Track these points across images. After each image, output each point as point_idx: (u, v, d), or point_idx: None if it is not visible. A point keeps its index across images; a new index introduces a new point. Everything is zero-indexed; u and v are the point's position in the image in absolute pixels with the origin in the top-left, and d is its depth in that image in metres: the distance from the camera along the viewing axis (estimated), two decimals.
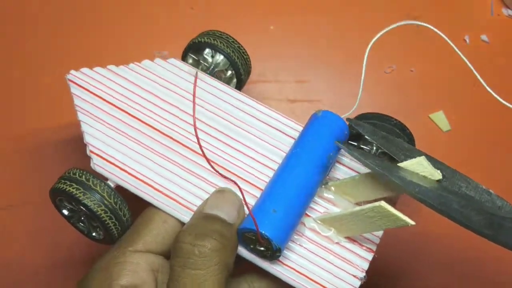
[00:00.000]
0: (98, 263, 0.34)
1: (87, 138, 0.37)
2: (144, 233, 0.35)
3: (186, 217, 0.36)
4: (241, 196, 0.35)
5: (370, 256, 0.36)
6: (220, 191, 0.35)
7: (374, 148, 0.41)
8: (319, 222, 0.36)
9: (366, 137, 0.37)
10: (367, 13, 0.59)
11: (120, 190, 0.37)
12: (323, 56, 0.56)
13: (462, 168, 0.35)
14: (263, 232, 0.32)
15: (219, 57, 0.43)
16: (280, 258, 0.35)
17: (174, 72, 0.41)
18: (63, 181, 0.36)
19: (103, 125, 0.38)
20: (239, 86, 0.45)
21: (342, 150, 0.37)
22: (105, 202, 0.35)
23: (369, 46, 0.35)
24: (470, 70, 0.35)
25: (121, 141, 0.38)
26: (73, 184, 0.35)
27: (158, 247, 0.35)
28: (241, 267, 0.36)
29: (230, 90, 0.41)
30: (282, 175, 0.35)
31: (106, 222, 0.35)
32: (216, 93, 0.41)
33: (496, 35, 0.58)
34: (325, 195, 0.38)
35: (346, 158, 0.39)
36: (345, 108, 0.40)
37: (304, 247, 0.36)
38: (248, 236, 0.34)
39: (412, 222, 0.30)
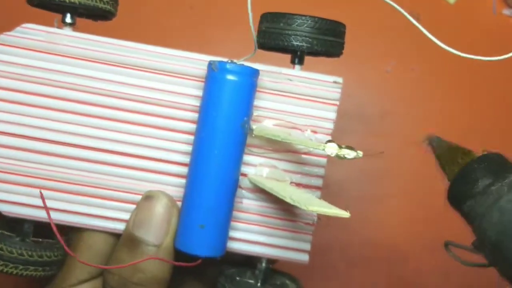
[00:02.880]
0: None
1: None
2: (73, 267, 0.33)
3: (115, 228, 0.33)
4: (169, 192, 0.32)
5: (318, 194, 0.34)
6: (147, 199, 0.32)
7: None
8: (253, 182, 0.33)
9: None
10: None
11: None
12: None
13: None
14: (197, 254, 0.30)
15: None
16: (230, 234, 0.33)
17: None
18: None
19: None
20: None
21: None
22: (24, 260, 0.32)
23: None
24: None
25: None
26: None
27: (92, 272, 0.33)
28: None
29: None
30: (197, 172, 0.31)
31: (32, 275, 0.32)
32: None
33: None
34: (253, 142, 0.33)
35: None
36: None
37: (248, 212, 0.33)
38: None
39: (346, 214, 0.27)
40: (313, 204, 0.27)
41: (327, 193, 0.50)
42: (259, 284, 0.33)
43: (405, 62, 0.55)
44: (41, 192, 0.30)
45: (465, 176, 0.32)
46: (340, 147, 0.28)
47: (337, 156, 0.28)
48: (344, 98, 0.52)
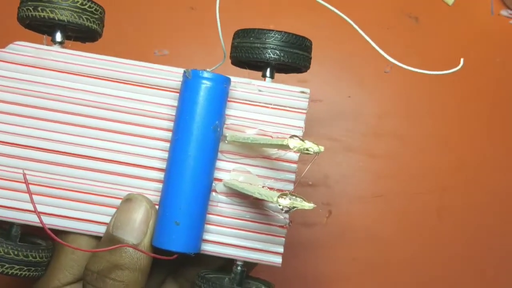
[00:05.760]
0: None
1: None
2: (57, 268, 0.35)
3: (97, 231, 0.35)
4: (149, 196, 0.34)
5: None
6: (127, 201, 0.34)
7: None
8: (227, 185, 0.35)
9: None
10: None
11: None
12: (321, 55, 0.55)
13: None
14: (172, 250, 0.32)
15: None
16: (205, 237, 0.34)
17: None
18: None
19: None
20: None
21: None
22: (9, 258, 0.33)
23: None
24: None
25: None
26: None
27: (76, 275, 0.35)
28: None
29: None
30: (173, 172, 0.33)
31: (17, 274, 0.34)
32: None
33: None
34: (227, 148, 0.35)
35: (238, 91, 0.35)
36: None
37: (223, 216, 0.35)
38: None
39: (311, 206, 0.28)
40: (277, 196, 0.28)
41: (328, 192, 0.50)
42: (235, 285, 0.34)
43: (404, 63, 0.55)
44: (24, 174, 0.31)
45: None
46: (303, 141, 0.30)
47: (300, 150, 0.30)
48: (344, 99, 0.53)
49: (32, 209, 0.34)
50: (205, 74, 0.33)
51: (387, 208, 0.53)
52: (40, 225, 0.34)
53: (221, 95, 0.33)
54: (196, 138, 0.32)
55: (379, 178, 0.54)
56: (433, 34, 0.56)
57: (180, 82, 0.34)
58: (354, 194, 0.54)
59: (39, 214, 0.29)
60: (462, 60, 0.32)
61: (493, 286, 0.53)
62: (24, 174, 0.31)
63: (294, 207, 0.28)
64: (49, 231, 0.29)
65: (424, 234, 0.53)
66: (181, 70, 0.34)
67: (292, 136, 0.30)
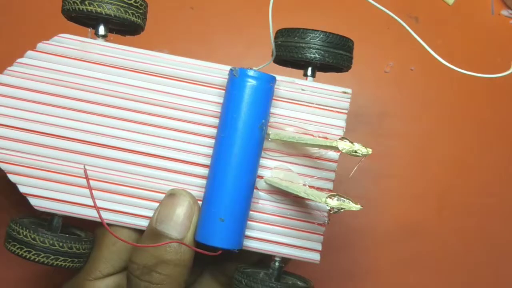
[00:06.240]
0: None
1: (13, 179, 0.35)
2: (98, 260, 0.35)
3: (139, 224, 0.35)
4: (192, 192, 0.35)
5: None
6: (171, 196, 0.34)
7: None
8: (269, 183, 0.35)
9: None
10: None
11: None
12: None
13: None
14: (217, 246, 0.32)
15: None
16: (246, 233, 0.34)
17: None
18: (8, 240, 0.34)
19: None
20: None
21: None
22: (54, 250, 0.34)
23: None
24: None
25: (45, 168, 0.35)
26: (16, 244, 0.34)
27: (116, 266, 0.35)
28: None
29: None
30: (218, 169, 0.33)
31: (61, 265, 0.34)
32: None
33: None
34: (270, 146, 0.36)
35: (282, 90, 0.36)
36: None
37: (264, 212, 0.35)
38: None
39: (358, 207, 0.29)
40: (326, 196, 0.29)
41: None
42: (273, 280, 0.35)
43: (404, 63, 0.55)
44: (85, 171, 0.32)
45: None
46: (351, 143, 0.30)
47: (349, 152, 0.30)
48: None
49: (77, 201, 0.34)
50: (252, 73, 0.33)
51: (387, 208, 0.54)
52: (84, 217, 0.34)
53: (267, 94, 0.33)
54: (242, 136, 0.33)
55: (379, 178, 0.54)
56: (433, 34, 0.56)
57: (224, 79, 0.35)
58: (354, 194, 0.54)
59: (98, 209, 0.30)
60: None
61: (493, 286, 0.54)
62: (85, 170, 0.31)
63: (342, 208, 0.29)
64: (107, 226, 0.30)
65: (424, 234, 0.54)
66: (227, 68, 0.35)
67: (341, 138, 0.30)
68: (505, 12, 0.59)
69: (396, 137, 0.54)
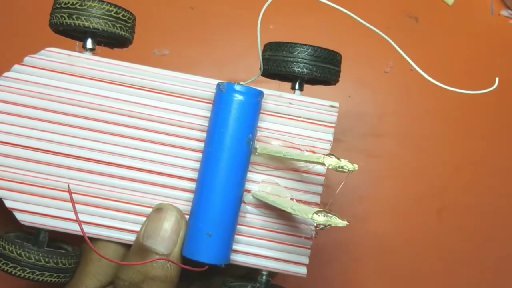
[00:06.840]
0: None
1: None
2: (84, 275, 0.35)
3: (126, 238, 0.35)
4: (179, 206, 0.35)
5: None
6: (158, 211, 0.34)
7: None
8: (257, 197, 0.35)
9: None
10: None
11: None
12: None
13: None
14: (204, 261, 0.32)
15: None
16: (233, 247, 0.34)
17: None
18: None
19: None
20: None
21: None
22: (40, 266, 0.33)
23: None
24: None
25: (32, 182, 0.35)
26: (1, 260, 0.33)
27: (102, 281, 0.35)
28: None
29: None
30: (205, 183, 0.33)
31: (47, 281, 0.34)
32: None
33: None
34: (257, 160, 0.36)
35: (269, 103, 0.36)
36: None
37: (251, 226, 0.35)
38: None
39: (344, 223, 0.29)
40: (313, 212, 0.29)
41: (328, 193, 0.50)
42: None
43: (403, 63, 0.55)
44: (69, 188, 0.31)
45: None
46: (338, 159, 0.30)
47: (335, 168, 0.30)
48: (344, 99, 0.53)
49: (63, 216, 0.34)
50: (240, 88, 0.33)
51: (387, 208, 0.54)
52: (70, 232, 0.34)
53: (254, 108, 0.33)
54: (229, 151, 0.33)
55: (379, 178, 0.54)
56: (433, 34, 0.56)
57: (212, 93, 0.35)
58: (354, 194, 0.54)
59: (80, 223, 0.30)
60: (497, 79, 0.33)
61: (493, 286, 0.54)
62: (69, 188, 0.31)
63: (328, 225, 0.29)
64: (89, 242, 0.30)
65: (424, 234, 0.54)
66: (215, 81, 0.35)
67: (328, 154, 0.30)
68: (504, 12, 0.59)
69: (396, 137, 0.55)
